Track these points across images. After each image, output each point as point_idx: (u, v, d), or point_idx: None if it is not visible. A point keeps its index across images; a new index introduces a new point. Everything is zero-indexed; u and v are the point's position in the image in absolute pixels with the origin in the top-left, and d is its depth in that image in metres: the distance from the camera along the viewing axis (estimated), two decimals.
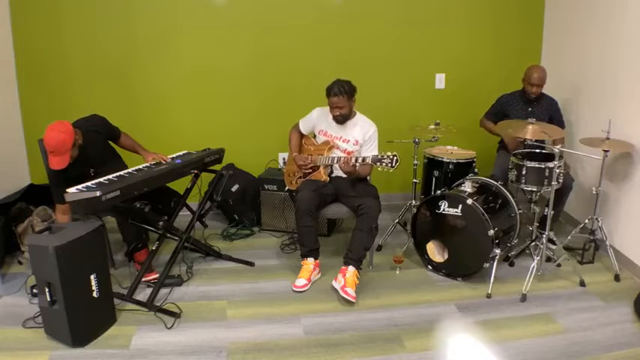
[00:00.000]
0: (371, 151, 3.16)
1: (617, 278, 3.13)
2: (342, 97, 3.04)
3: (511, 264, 3.30)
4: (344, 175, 3.21)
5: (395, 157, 2.86)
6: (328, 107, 3.14)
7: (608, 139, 3.09)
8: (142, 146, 3.19)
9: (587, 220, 3.29)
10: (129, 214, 2.94)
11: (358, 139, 3.17)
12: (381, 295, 2.99)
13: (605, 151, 3.07)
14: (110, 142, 3.13)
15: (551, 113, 3.61)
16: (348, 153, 3.17)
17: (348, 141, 3.18)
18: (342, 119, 3.13)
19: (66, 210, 2.91)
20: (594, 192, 3.18)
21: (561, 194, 3.34)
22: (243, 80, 4.10)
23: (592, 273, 3.17)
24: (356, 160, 3.01)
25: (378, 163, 2.89)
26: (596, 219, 3.24)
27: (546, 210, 3.04)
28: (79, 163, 2.82)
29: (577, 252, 3.38)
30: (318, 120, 3.26)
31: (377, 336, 2.60)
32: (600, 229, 3.25)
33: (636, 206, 3.22)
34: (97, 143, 3.00)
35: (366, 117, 3.22)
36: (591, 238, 3.30)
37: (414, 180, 3.56)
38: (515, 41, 4.29)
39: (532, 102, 3.59)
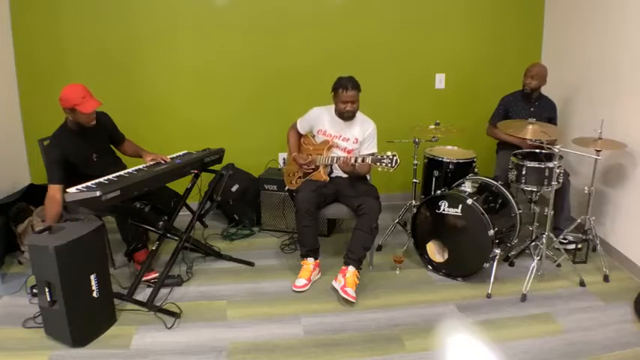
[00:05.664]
0: (370, 149, 3.15)
1: (606, 279, 3.12)
2: (356, 92, 3.05)
3: (511, 264, 3.30)
4: (344, 175, 3.21)
5: (395, 157, 2.84)
6: (328, 106, 3.14)
7: (600, 139, 3.08)
8: (143, 148, 3.21)
9: (579, 220, 3.28)
10: (129, 214, 2.94)
11: (358, 137, 3.17)
12: (381, 295, 2.99)
13: (598, 150, 3.06)
14: (112, 146, 3.17)
15: (549, 114, 3.62)
16: (348, 152, 3.17)
17: (348, 139, 3.18)
18: (351, 115, 3.12)
19: (57, 190, 2.78)
20: (586, 192, 3.17)
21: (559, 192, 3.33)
22: (243, 80, 4.10)
23: (586, 273, 3.15)
24: (355, 160, 2.99)
25: (378, 164, 2.86)
26: (589, 219, 3.23)
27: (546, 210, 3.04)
28: (89, 137, 2.85)
29: (570, 252, 3.36)
30: (316, 119, 3.25)
31: (377, 336, 2.60)
32: (593, 229, 3.23)
33: (635, 206, 3.22)
34: (104, 130, 3.05)
35: (365, 115, 3.22)
36: (583, 237, 3.29)
37: (414, 180, 3.55)
38: (515, 41, 4.29)
39: (533, 101, 3.60)
